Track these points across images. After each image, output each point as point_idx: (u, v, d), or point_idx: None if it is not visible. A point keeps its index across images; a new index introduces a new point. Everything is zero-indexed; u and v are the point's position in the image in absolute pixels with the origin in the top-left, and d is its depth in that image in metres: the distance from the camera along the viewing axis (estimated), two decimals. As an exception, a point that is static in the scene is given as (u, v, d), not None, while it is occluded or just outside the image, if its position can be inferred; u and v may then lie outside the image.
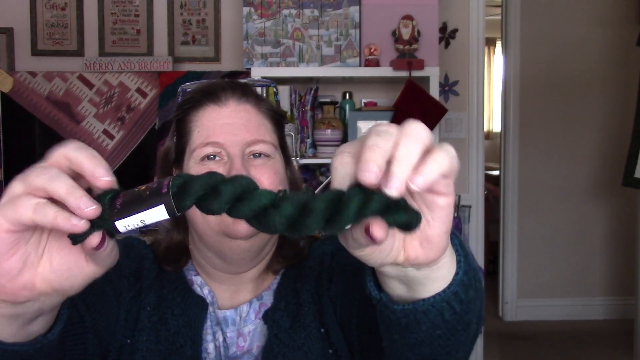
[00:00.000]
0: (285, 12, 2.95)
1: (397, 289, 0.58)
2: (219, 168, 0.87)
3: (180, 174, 0.53)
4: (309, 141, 3.03)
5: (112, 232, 0.48)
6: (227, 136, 0.88)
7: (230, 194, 0.47)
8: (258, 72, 2.89)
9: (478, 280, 0.60)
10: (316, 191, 0.59)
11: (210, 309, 0.93)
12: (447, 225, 0.51)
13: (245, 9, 2.94)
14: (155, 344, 0.89)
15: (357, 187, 0.46)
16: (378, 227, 0.46)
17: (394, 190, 0.45)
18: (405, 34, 2.96)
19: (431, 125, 2.94)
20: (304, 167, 3.09)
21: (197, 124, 0.91)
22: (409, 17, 2.96)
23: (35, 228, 0.51)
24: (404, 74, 2.92)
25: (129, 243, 0.98)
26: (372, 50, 2.96)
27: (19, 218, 0.48)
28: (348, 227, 0.47)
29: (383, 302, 0.59)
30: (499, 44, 6.32)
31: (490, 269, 5.02)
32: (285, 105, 2.93)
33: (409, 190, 0.47)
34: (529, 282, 4.38)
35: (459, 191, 3.36)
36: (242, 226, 0.84)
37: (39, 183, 0.48)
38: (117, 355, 0.88)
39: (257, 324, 0.93)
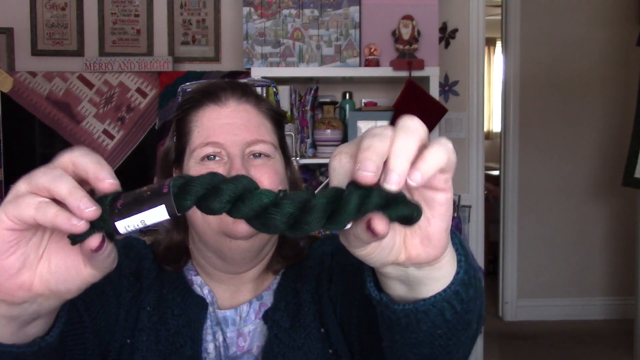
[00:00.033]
0: (285, 12, 2.95)
1: (397, 290, 0.58)
2: (219, 168, 0.87)
3: (181, 174, 0.53)
4: (309, 141, 3.03)
5: (112, 233, 0.48)
6: (227, 136, 0.88)
7: (231, 193, 0.47)
8: (258, 72, 2.89)
9: (478, 279, 0.60)
10: (316, 191, 0.59)
11: (210, 309, 0.93)
12: (447, 222, 0.51)
13: (245, 9, 2.94)
14: (155, 344, 0.89)
15: (356, 185, 0.46)
16: (379, 222, 0.46)
17: (393, 184, 0.45)
18: (405, 34, 2.96)
19: (431, 125, 2.94)
20: (304, 167, 3.09)
21: (197, 124, 0.91)
22: (409, 17, 2.96)
23: (36, 229, 0.51)
24: (404, 74, 2.92)
25: (129, 243, 0.98)
26: (372, 50, 2.96)
27: (21, 216, 0.48)
28: (349, 225, 0.47)
29: (383, 302, 0.59)
30: (499, 44, 6.32)
31: (490, 269, 5.02)
32: (285, 105, 2.93)
33: (407, 188, 0.47)
34: (529, 282, 4.38)
35: (459, 191, 3.36)
36: (242, 226, 0.84)
37: (42, 183, 0.48)
38: (117, 355, 0.88)
39: (257, 324, 0.93)
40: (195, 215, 0.88)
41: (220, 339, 0.92)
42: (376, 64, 2.97)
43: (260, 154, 0.90)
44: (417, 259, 0.52)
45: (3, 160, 3.06)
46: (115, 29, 3.23)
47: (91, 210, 0.47)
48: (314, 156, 3.01)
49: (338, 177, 0.48)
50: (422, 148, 0.47)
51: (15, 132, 3.09)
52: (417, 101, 2.87)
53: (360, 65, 2.99)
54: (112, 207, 0.48)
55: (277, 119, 0.96)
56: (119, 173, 0.50)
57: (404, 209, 0.46)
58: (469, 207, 3.38)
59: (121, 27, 3.23)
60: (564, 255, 4.40)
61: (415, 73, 2.92)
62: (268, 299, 0.94)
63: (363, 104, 3.18)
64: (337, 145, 2.96)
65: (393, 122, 0.64)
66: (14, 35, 3.19)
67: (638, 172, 3.36)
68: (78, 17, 3.21)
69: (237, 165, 0.87)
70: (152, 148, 3.11)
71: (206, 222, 0.87)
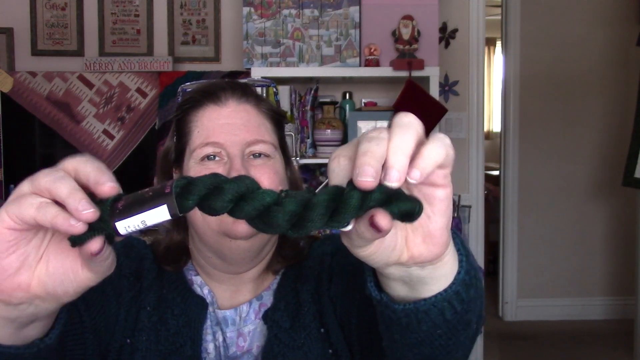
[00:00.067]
0: (285, 12, 2.95)
1: (399, 290, 0.58)
2: (219, 168, 0.87)
3: (184, 176, 0.53)
4: (309, 141, 3.03)
5: (112, 234, 0.48)
6: (227, 136, 0.88)
7: (234, 193, 0.47)
8: (258, 72, 2.89)
9: (479, 279, 0.60)
10: (316, 191, 0.59)
11: (210, 309, 0.93)
12: (447, 218, 0.51)
13: (245, 9, 2.94)
14: (155, 343, 0.90)
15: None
16: (382, 217, 0.46)
17: (394, 181, 0.45)
18: (405, 34, 2.96)
19: (431, 125, 2.94)
20: (304, 167, 3.09)
21: (197, 124, 0.91)
22: (409, 17, 2.96)
23: (37, 230, 0.51)
24: (404, 74, 2.92)
25: (129, 243, 0.98)
26: (372, 50, 2.96)
27: (22, 215, 0.48)
28: (351, 225, 0.47)
29: (384, 302, 0.59)
30: (499, 44, 6.32)
31: (490, 269, 5.02)
32: (285, 105, 2.93)
33: (407, 185, 0.47)
34: (529, 282, 4.38)
35: (459, 191, 3.36)
36: (242, 226, 0.84)
37: (44, 184, 0.49)
38: (117, 355, 0.88)
39: (257, 324, 0.93)
40: (195, 215, 0.88)
41: (220, 339, 0.92)
42: (376, 64, 2.97)
43: (260, 154, 0.90)
44: (419, 258, 0.52)
45: (3, 160, 3.07)
46: (115, 29, 3.23)
47: (89, 212, 0.47)
48: (314, 156, 3.01)
49: (337, 178, 0.48)
50: (419, 144, 0.47)
51: (15, 132, 3.09)
52: (417, 101, 2.87)
53: (360, 65, 2.99)
54: (112, 208, 0.48)
55: (277, 119, 0.96)
56: (119, 173, 0.51)
57: (405, 204, 0.46)
58: (469, 207, 3.38)
59: (121, 27, 3.23)
60: (564, 255, 4.40)
61: (415, 73, 2.92)
62: (268, 299, 0.94)
63: (363, 104, 3.18)
64: (337, 146, 2.97)
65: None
66: (14, 35, 3.19)
67: (638, 172, 3.36)
68: (78, 17, 3.21)
69: (237, 165, 0.87)
70: (152, 148, 3.11)
71: (206, 222, 0.87)
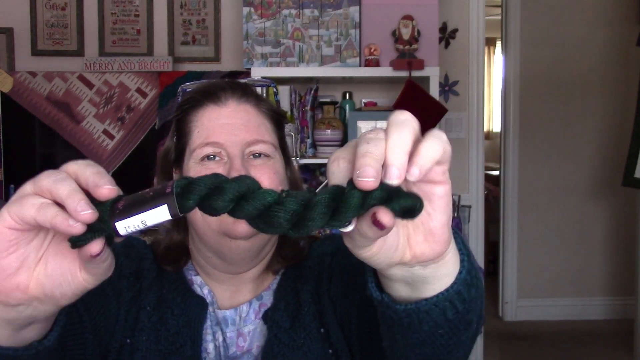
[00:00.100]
0: (285, 12, 2.95)
1: (400, 291, 0.58)
2: (219, 168, 0.87)
3: (185, 176, 0.53)
4: (309, 141, 3.03)
5: (112, 234, 0.48)
6: (227, 136, 0.88)
7: (235, 192, 0.47)
8: (258, 72, 2.89)
9: (479, 279, 0.60)
10: (317, 191, 0.59)
11: (210, 309, 0.93)
12: (447, 215, 0.51)
13: (245, 9, 2.94)
14: (155, 344, 0.90)
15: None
16: (384, 214, 0.46)
17: (394, 178, 0.45)
18: (405, 34, 2.96)
19: (431, 126, 2.94)
20: (304, 167, 3.09)
21: (197, 124, 0.91)
22: (409, 17, 2.96)
23: (38, 230, 0.52)
24: (404, 74, 2.92)
25: (129, 243, 0.98)
26: (372, 50, 2.96)
27: (22, 215, 0.48)
28: (353, 225, 0.47)
29: (385, 302, 0.59)
30: (499, 44, 6.32)
31: (490, 269, 5.02)
32: (285, 105, 2.93)
33: (406, 183, 0.47)
34: (529, 282, 4.38)
35: (459, 191, 3.36)
36: (242, 226, 0.84)
37: (45, 184, 0.49)
38: (117, 355, 0.88)
39: (257, 324, 0.93)
40: (196, 215, 0.88)
41: (220, 339, 0.92)
42: (376, 64, 2.97)
43: (260, 154, 0.90)
44: (422, 257, 0.52)
45: (3, 160, 3.07)
46: (115, 29, 3.23)
47: (87, 213, 0.47)
48: (314, 156, 3.02)
49: (337, 180, 0.49)
50: (416, 141, 0.47)
51: (15, 132, 3.09)
52: (417, 101, 2.87)
53: (360, 65, 2.99)
54: (112, 208, 0.48)
55: (277, 119, 0.96)
56: (119, 173, 0.51)
57: (406, 201, 0.46)
58: (469, 207, 3.38)
59: (121, 27, 3.23)
60: (564, 255, 4.40)
61: (415, 73, 2.92)
62: (268, 299, 0.94)
63: (363, 104, 3.18)
64: (337, 146, 2.97)
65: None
66: (14, 35, 3.19)
67: (638, 172, 3.36)
68: (78, 17, 3.21)
69: (237, 165, 0.87)
70: (152, 148, 3.11)
71: (206, 222, 0.87)
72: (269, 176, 0.88)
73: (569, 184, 4.38)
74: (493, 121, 7.20)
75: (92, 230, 0.48)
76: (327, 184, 0.49)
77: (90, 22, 3.22)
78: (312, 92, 3.03)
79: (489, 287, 4.59)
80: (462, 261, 0.57)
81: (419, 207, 0.46)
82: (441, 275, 0.55)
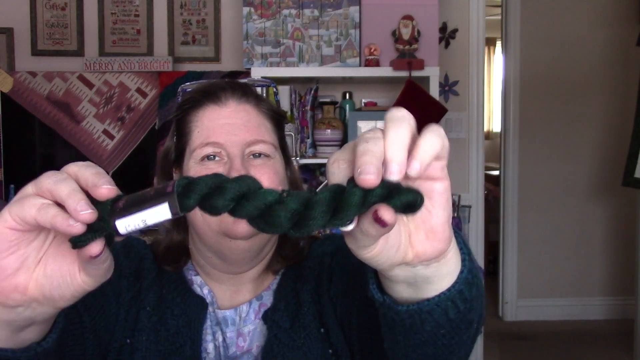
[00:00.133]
0: (285, 12, 2.95)
1: (402, 292, 0.57)
2: (219, 168, 0.87)
3: (186, 176, 0.53)
4: (309, 141, 3.03)
5: (112, 233, 0.48)
6: (227, 136, 0.88)
7: (235, 192, 0.47)
8: (258, 72, 2.89)
9: (479, 278, 0.60)
10: (317, 190, 0.59)
11: (210, 309, 0.93)
12: (448, 212, 0.51)
13: (245, 9, 2.94)
14: (155, 344, 0.90)
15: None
16: (386, 211, 0.46)
17: (395, 174, 0.46)
18: (405, 34, 2.96)
19: (431, 125, 2.93)
20: (304, 167, 3.09)
21: (197, 124, 0.91)
22: (409, 17, 2.96)
23: (39, 231, 0.52)
24: (404, 74, 2.92)
25: (129, 243, 0.98)
26: (372, 50, 2.96)
27: (23, 215, 0.49)
28: (354, 223, 0.47)
29: (387, 304, 0.59)
30: (499, 44, 6.32)
31: (490, 269, 5.02)
32: (285, 105, 2.93)
33: (406, 180, 0.47)
34: (529, 282, 4.38)
35: (459, 191, 3.36)
36: (242, 226, 0.84)
37: (46, 185, 0.49)
38: (117, 355, 0.88)
39: (257, 324, 0.93)
40: (196, 215, 0.88)
41: (220, 339, 0.92)
42: (376, 64, 2.97)
43: (260, 154, 0.90)
44: (424, 255, 0.52)
45: (3, 160, 3.06)
46: (115, 29, 3.23)
47: (87, 212, 0.47)
48: (314, 156, 3.01)
49: (337, 179, 0.49)
50: (413, 137, 0.48)
51: (15, 132, 3.09)
52: (417, 101, 2.87)
53: (360, 65, 2.99)
54: (113, 207, 0.48)
55: (277, 119, 0.96)
56: (119, 173, 0.51)
57: (406, 196, 0.46)
58: (469, 207, 3.38)
59: (121, 27, 3.23)
60: (564, 255, 4.40)
61: (415, 73, 2.92)
62: (268, 299, 0.94)
63: (363, 104, 3.18)
64: (337, 146, 2.97)
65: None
66: (14, 35, 3.19)
67: (638, 172, 3.36)
68: (78, 17, 3.21)
69: (237, 165, 0.87)
70: (152, 148, 3.11)
71: (206, 222, 0.87)
72: (269, 176, 0.88)
73: (569, 184, 4.38)
74: (493, 121, 7.20)
75: (93, 230, 0.48)
76: (327, 184, 0.49)
77: (90, 22, 3.22)
78: (312, 92, 3.03)
79: (489, 287, 4.59)
80: (463, 260, 0.57)
81: (420, 201, 0.46)
82: (443, 274, 0.55)
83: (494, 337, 3.95)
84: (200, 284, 0.95)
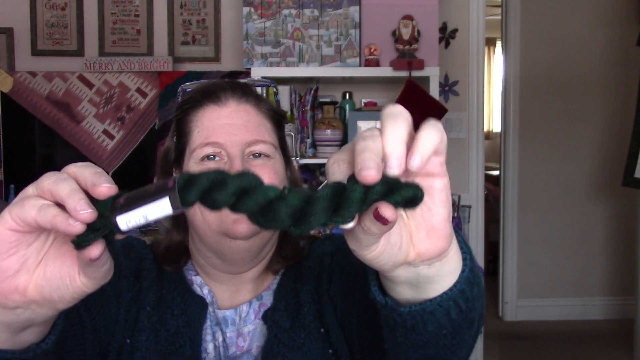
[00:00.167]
0: (285, 12, 2.95)
1: (404, 294, 0.57)
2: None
3: (187, 171, 0.53)
4: (309, 141, 3.03)
5: (113, 230, 0.48)
6: (227, 136, 0.88)
7: (237, 187, 0.46)
8: (258, 72, 2.89)
9: (480, 277, 0.60)
10: (318, 189, 0.60)
11: (210, 309, 0.93)
12: (448, 209, 0.51)
13: (245, 9, 2.94)
14: (155, 344, 0.90)
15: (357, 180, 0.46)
16: (386, 208, 0.46)
17: (395, 168, 0.46)
18: (405, 34, 2.96)
19: (431, 125, 2.93)
20: (304, 167, 3.09)
21: (197, 124, 0.91)
22: (409, 17, 2.96)
23: (39, 233, 0.52)
24: (404, 74, 2.92)
25: (129, 243, 0.98)
26: (372, 50, 2.96)
27: (24, 216, 0.49)
28: (355, 221, 0.47)
29: (389, 306, 0.59)
30: (499, 44, 6.32)
31: (490, 269, 5.02)
32: (285, 105, 2.93)
33: (407, 177, 0.47)
34: (529, 282, 4.38)
35: (459, 191, 3.36)
36: (242, 226, 0.84)
37: (46, 185, 0.49)
38: (117, 355, 0.88)
39: (257, 324, 0.93)
40: (196, 215, 0.88)
41: (220, 339, 0.92)
42: (376, 64, 2.97)
43: (260, 154, 0.90)
44: (427, 254, 0.52)
45: (3, 160, 3.06)
46: (115, 29, 3.23)
47: (86, 212, 0.47)
48: (314, 156, 3.02)
49: (337, 176, 0.49)
50: (410, 134, 0.48)
51: (15, 132, 3.09)
52: (417, 101, 2.87)
53: (360, 65, 2.99)
54: (114, 204, 0.48)
55: (277, 119, 0.96)
56: (119, 173, 0.51)
57: (406, 191, 0.46)
58: (469, 207, 3.38)
59: (121, 27, 3.23)
60: (564, 255, 4.40)
61: (415, 73, 2.92)
62: (268, 299, 0.94)
63: (363, 104, 3.18)
64: (337, 146, 2.97)
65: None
66: (14, 35, 3.19)
67: (638, 172, 3.36)
68: (78, 17, 3.21)
69: (237, 165, 0.87)
70: (152, 148, 3.11)
71: (206, 222, 0.87)
72: (269, 176, 0.88)
73: (569, 184, 4.38)
74: (493, 121, 7.20)
75: (94, 230, 0.48)
76: (327, 184, 0.48)
77: (90, 22, 3.22)
78: (312, 92, 3.03)
79: (489, 287, 4.59)
80: (464, 260, 0.57)
81: (420, 195, 0.47)
82: (445, 273, 0.55)
83: (494, 337, 3.95)
84: (200, 284, 0.95)
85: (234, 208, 0.47)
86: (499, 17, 4.39)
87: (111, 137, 3.13)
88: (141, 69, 3.13)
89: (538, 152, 4.35)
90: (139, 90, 3.12)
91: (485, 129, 5.24)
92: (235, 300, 0.95)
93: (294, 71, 2.96)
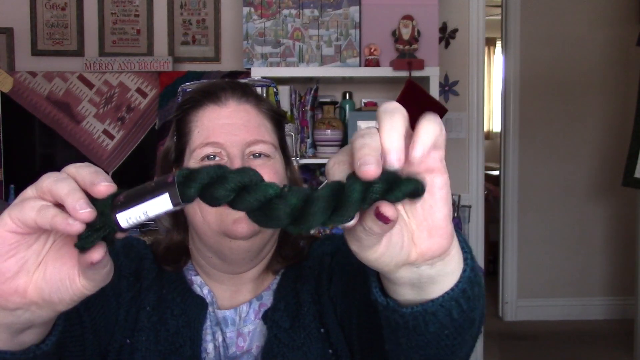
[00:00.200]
0: (285, 12, 2.95)
1: (406, 295, 0.57)
2: (219, 168, 0.87)
3: (187, 167, 0.52)
4: (309, 141, 3.03)
5: (114, 228, 0.48)
6: (227, 136, 0.88)
7: (237, 183, 0.46)
8: (258, 72, 2.89)
9: (480, 277, 0.60)
10: (318, 189, 0.60)
11: (210, 309, 0.93)
12: (449, 207, 0.51)
13: (245, 9, 2.94)
14: (155, 344, 0.90)
15: (357, 177, 0.46)
16: (387, 206, 0.46)
17: (394, 161, 0.46)
18: (405, 34, 2.96)
19: (431, 125, 2.93)
20: (304, 167, 3.09)
21: (197, 124, 0.91)
22: (409, 17, 2.96)
23: (39, 234, 0.52)
24: (404, 74, 2.92)
25: (129, 243, 0.98)
26: (372, 50, 2.96)
27: (23, 218, 0.48)
28: (355, 220, 0.47)
29: (390, 307, 0.59)
30: (499, 44, 6.32)
31: (490, 269, 5.02)
32: (285, 105, 2.93)
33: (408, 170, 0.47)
34: (529, 282, 4.38)
35: (459, 191, 3.36)
36: (241, 226, 0.84)
37: (46, 185, 0.49)
38: (117, 356, 0.88)
39: (257, 324, 0.93)
40: (195, 215, 0.88)
41: (220, 339, 0.92)
42: (376, 64, 2.97)
43: (260, 154, 0.90)
44: (429, 253, 0.52)
45: (3, 160, 3.06)
46: (115, 29, 3.23)
47: (86, 211, 0.47)
48: (314, 156, 3.02)
49: (337, 177, 0.49)
50: (407, 130, 0.48)
51: (15, 132, 3.09)
52: (417, 101, 2.87)
53: (360, 65, 2.99)
54: (113, 201, 0.47)
55: (277, 119, 0.96)
56: (119, 173, 0.51)
57: (407, 185, 0.46)
58: (469, 207, 3.38)
59: (121, 27, 3.23)
60: (564, 255, 4.40)
61: (415, 73, 2.92)
62: (268, 299, 0.94)
63: (363, 104, 3.18)
64: (337, 146, 2.97)
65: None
66: (14, 35, 3.19)
67: (638, 172, 3.36)
68: (78, 17, 3.21)
69: (237, 165, 0.87)
70: (152, 148, 3.11)
71: (206, 222, 0.87)
72: (269, 176, 0.88)
73: (569, 184, 4.38)
74: (493, 121, 7.20)
75: (95, 229, 0.48)
76: (327, 184, 0.48)
77: (90, 22, 3.22)
78: (312, 92, 3.03)
79: (489, 287, 4.58)
80: (465, 259, 0.57)
81: (422, 187, 0.46)
82: (447, 272, 0.55)
83: (494, 337, 3.95)
84: (200, 284, 0.95)
85: (233, 204, 0.47)
86: (499, 17, 4.39)
87: (111, 137, 3.13)
88: (141, 69, 3.13)
89: (538, 152, 4.35)
90: (139, 90, 3.12)
91: (485, 129, 5.24)
92: (235, 300, 0.95)
93: (294, 71, 2.96)
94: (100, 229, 0.48)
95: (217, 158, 0.89)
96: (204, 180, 0.46)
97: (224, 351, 0.92)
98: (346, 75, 3.02)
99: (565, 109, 4.35)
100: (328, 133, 2.98)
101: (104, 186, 0.48)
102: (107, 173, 0.54)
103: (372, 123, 2.98)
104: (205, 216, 0.87)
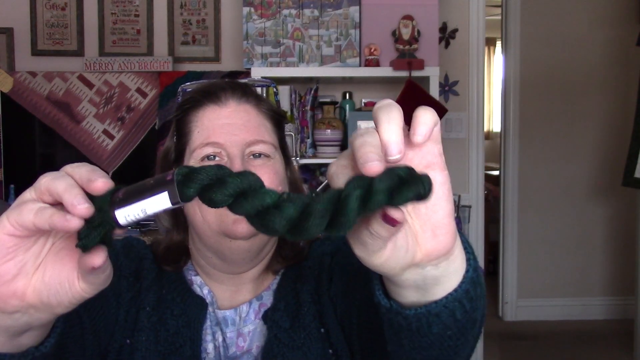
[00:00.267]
0: (285, 12, 2.95)
1: (410, 297, 0.57)
2: (219, 168, 0.87)
3: (188, 165, 0.52)
4: (309, 141, 3.03)
5: (112, 225, 0.48)
6: (227, 136, 0.88)
7: (236, 187, 0.46)
8: (258, 72, 2.89)
9: (482, 277, 0.60)
10: (317, 190, 0.59)
11: (210, 309, 0.93)
12: (451, 204, 0.51)
13: (245, 9, 2.94)
14: (155, 344, 0.89)
15: (355, 181, 0.45)
16: (393, 210, 0.45)
17: (395, 153, 0.46)
18: (405, 34, 2.96)
19: (431, 125, 2.93)
20: (304, 167, 3.09)
21: (197, 124, 0.91)
22: (409, 17, 2.96)
23: (37, 237, 0.51)
24: (404, 74, 2.92)
25: (129, 243, 0.98)
26: (372, 50, 2.96)
27: (22, 221, 0.48)
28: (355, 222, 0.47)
29: (394, 309, 0.58)
30: (499, 44, 6.32)
31: (490, 269, 5.02)
32: (285, 105, 2.93)
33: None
34: (529, 282, 4.38)
35: (459, 191, 3.36)
36: (241, 226, 0.84)
37: (44, 183, 0.49)
38: (117, 356, 0.88)
39: (257, 324, 0.93)
40: (195, 215, 0.88)
41: (220, 339, 0.92)
42: (376, 64, 2.97)
43: (260, 154, 0.90)
44: (434, 252, 0.52)
45: (3, 160, 3.06)
46: (115, 29, 3.23)
47: (84, 207, 0.47)
48: (314, 156, 3.01)
49: (340, 182, 0.48)
50: (403, 126, 0.48)
51: (15, 132, 3.09)
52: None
53: (360, 65, 2.99)
54: (112, 198, 0.47)
55: (277, 119, 0.96)
56: (119, 173, 0.50)
57: (410, 191, 0.44)
58: (469, 207, 3.38)
59: (121, 27, 3.23)
60: (564, 255, 4.40)
61: (415, 73, 2.92)
62: (268, 299, 0.94)
63: (363, 104, 3.18)
64: (337, 146, 2.97)
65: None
66: (14, 35, 3.19)
67: (638, 172, 3.36)
68: (78, 17, 3.21)
69: (237, 165, 0.87)
70: (152, 148, 3.11)
71: (206, 222, 0.87)
72: (269, 176, 0.88)
73: (569, 184, 4.38)
74: (493, 121, 7.20)
75: (94, 226, 0.47)
76: (327, 184, 0.48)
77: (90, 22, 3.22)
78: (312, 92, 3.03)
79: (489, 287, 4.56)
80: (468, 260, 0.57)
81: (428, 188, 0.45)
82: (451, 273, 0.55)
83: (494, 337, 3.95)
84: (200, 284, 0.95)
85: (231, 208, 0.47)
86: (499, 17, 4.39)
87: (111, 137, 3.13)
88: (141, 69, 3.13)
89: (538, 152, 4.35)
90: (139, 90, 3.12)
91: (485, 129, 5.24)
92: (235, 301, 0.95)
93: (294, 71, 2.96)
94: (99, 226, 0.47)
95: (217, 158, 0.89)
96: (204, 181, 0.46)
97: (224, 351, 0.92)
98: (346, 75, 3.02)
99: (565, 109, 4.34)
100: (328, 133, 2.98)
101: (101, 182, 0.48)
102: (107, 173, 0.54)
103: (372, 123, 2.98)
104: (205, 216, 0.87)
